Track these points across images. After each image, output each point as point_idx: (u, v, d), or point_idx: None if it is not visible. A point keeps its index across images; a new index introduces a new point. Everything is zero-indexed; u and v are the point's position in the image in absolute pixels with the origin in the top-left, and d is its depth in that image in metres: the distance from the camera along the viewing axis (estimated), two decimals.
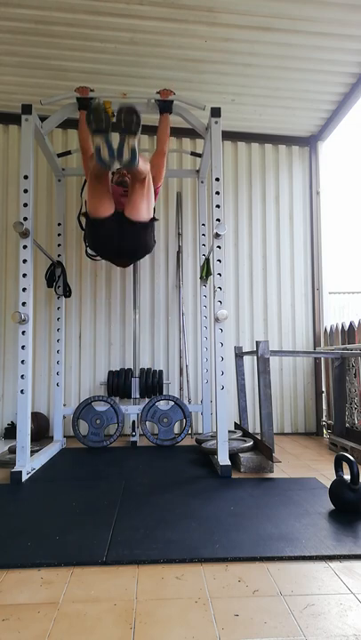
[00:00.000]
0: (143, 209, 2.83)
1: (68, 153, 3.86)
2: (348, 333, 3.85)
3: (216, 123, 3.07)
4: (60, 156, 3.78)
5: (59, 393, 3.81)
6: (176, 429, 3.95)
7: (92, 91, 3.22)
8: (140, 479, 2.68)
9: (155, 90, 3.27)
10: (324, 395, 4.36)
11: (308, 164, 4.60)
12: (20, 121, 3.00)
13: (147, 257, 4.33)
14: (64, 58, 3.45)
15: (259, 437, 3.10)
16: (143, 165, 2.63)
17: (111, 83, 3.71)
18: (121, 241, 2.87)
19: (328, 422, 4.20)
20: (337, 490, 2.12)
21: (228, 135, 4.38)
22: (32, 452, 3.00)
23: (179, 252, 4.34)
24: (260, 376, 3.08)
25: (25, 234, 2.87)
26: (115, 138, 2.51)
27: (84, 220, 3.74)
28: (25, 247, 2.89)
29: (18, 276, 2.91)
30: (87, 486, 2.54)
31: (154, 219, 3.01)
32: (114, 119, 3.32)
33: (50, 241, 4.23)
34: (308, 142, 4.56)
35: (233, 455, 2.95)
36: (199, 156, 3.95)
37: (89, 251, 3.82)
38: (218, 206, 3.00)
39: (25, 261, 2.88)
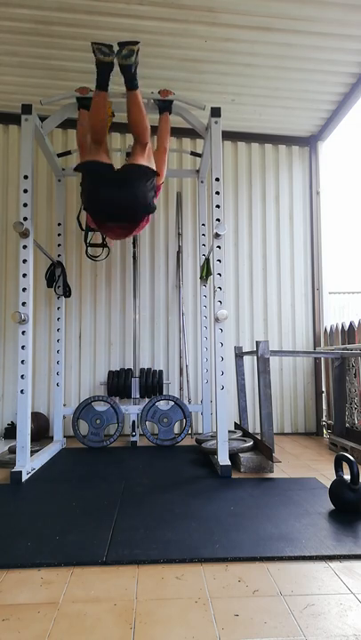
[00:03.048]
0: (142, 160, 2.72)
1: (68, 153, 3.86)
2: (349, 333, 3.84)
3: (216, 123, 3.07)
4: (60, 155, 3.78)
5: (59, 393, 3.81)
6: (176, 429, 3.95)
7: (91, 91, 3.21)
8: (140, 479, 2.68)
9: (155, 90, 3.27)
10: (324, 395, 4.36)
11: (308, 163, 4.60)
12: (20, 121, 3.00)
13: (147, 257, 4.34)
14: (64, 58, 3.45)
15: (259, 437, 3.10)
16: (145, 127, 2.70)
17: (111, 83, 3.70)
18: (118, 189, 2.66)
19: (328, 422, 4.20)
20: (337, 490, 2.12)
21: (228, 135, 4.38)
22: (32, 452, 3.00)
23: (179, 252, 4.34)
24: (260, 376, 3.08)
25: (25, 234, 2.87)
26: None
27: (83, 221, 3.75)
28: (25, 247, 2.89)
29: (18, 275, 2.91)
30: (87, 486, 2.54)
31: (155, 172, 2.79)
32: (113, 119, 3.33)
33: (50, 241, 4.23)
34: (308, 142, 4.56)
35: (233, 455, 2.95)
36: (199, 155, 3.95)
37: (89, 251, 3.83)
38: (218, 206, 3.00)
39: (25, 261, 2.88)
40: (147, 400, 3.88)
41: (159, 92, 3.22)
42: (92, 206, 2.81)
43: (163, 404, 3.83)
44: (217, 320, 2.87)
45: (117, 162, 3.52)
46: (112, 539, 1.80)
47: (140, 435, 3.97)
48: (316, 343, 4.43)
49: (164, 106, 3.23)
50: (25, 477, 2.68)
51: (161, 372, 4.01)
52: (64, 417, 3.81)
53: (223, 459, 2.79)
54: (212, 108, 3.10)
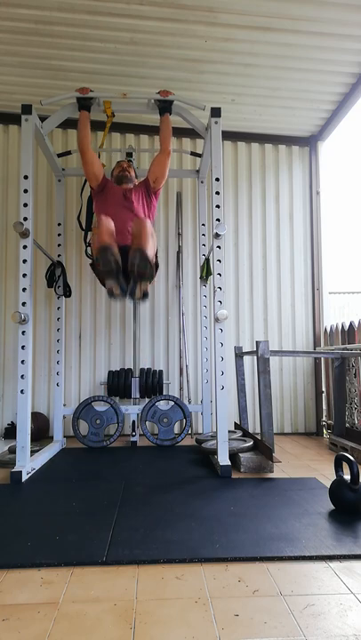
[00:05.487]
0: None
1: (68, 153, 3.86)
2: (348, 333, 3.85)
3: (216, 123, 3.07)
4: (60, 156, 3.78)
5: (59, 393, 3.80)
6: (176, 429, 3.95)
7: (91, 91, 3.22)
8: (140, 479, 2.68)
9: (155, 90, 3.27)
10: (324, 395, 4.36)
11: (308, 163, 4.60)
12: (20, 121, 3.00)
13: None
14: (64, 58, 3.45)
15: (259, 437, 3.10)
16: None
17: (111, 83, 3.71)
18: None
19: (328, 422, 4.20)
20: (337, 490, 2.12)
21: (228, 135, 4.38)
22: (32, 452, 3.00)
23: (179, 252, 4.34)
24: (260, 376, 3.08)
25: (25, 234, 2.87)
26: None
27: (83, 221, 3.76)
28: (25, 247, 2.89)
29: (18, 275, 2.92)
30: (87, 486, 2.54)
31: (156, 265, 3.07)
32: (113, 119, 3.34)
33: (50, 241, 4.23)
34: (308, 142, 4.56)
35: (233, 455, 2.95)
36: (199, 155, 3.95)
37: (89, 251, 3.83)
38: (218, 206, 3.00)
39: (25, 261, 2.88)
40: (147, 400, 3.89)
41: (159, 93, 3.22)
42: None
43: (163, 404, 3.83)
44: (217, 320, 2.87)
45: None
46: (112, 539, 1.80)
47: (140, 435, 3.97)
48: (316, 343, 4.43)
49: (164, 106, 3.22)
50: (25, 477, 2.68)
51: (161, 371, 4.01)
52: (64, 417, 3.81)
53: (223, 459, 2.79)
54: (212, 108, 3.10)
